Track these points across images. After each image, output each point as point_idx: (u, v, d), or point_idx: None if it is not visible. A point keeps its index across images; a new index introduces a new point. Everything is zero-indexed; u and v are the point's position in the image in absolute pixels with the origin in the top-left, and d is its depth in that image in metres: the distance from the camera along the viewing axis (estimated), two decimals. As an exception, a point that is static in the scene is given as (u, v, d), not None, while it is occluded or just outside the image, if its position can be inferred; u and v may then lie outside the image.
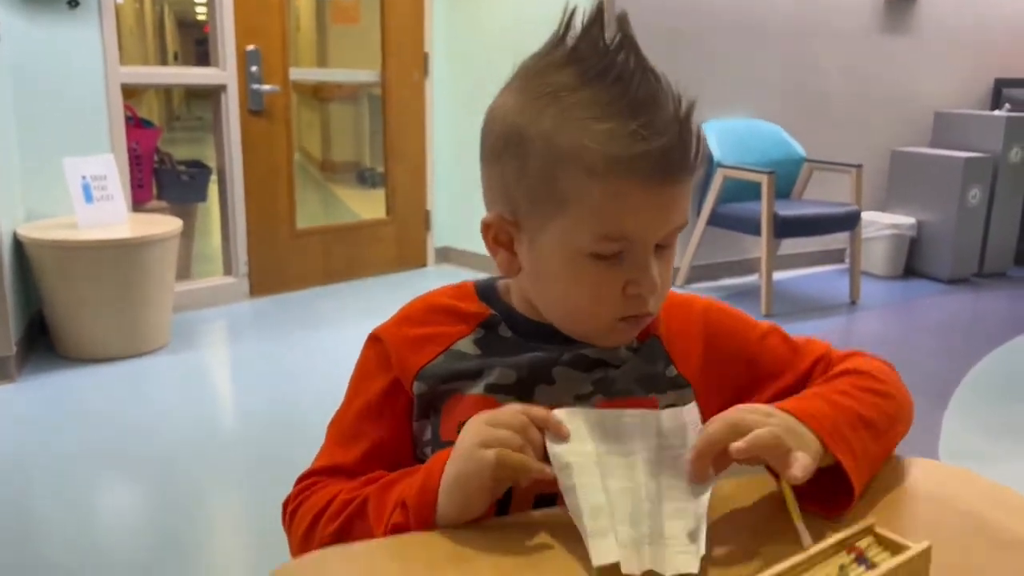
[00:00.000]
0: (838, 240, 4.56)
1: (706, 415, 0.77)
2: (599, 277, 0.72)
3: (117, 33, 3.43)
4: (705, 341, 0.83)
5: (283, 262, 4.06)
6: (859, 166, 4.08)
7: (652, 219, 0.71)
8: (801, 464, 0.65)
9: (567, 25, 0.71)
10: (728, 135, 4.20)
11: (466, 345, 0.80)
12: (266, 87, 3.84)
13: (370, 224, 4.61)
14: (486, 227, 0.78)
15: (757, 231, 3.86)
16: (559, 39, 0.72)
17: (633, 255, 0.72)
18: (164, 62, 12.18)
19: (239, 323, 3.73)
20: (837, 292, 4.30)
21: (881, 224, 4.56)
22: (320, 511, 0.73)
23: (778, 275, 4.53)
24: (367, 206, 5.62)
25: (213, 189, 4.39)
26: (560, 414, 0.68)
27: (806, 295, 4.36)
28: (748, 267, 4.49)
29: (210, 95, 3.90)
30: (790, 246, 4.62)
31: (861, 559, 0.57)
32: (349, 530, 0.71)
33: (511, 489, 0.71)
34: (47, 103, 3.25)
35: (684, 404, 0.74)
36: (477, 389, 0.76)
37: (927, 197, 4.60)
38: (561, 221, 0.71)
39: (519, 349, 0.79)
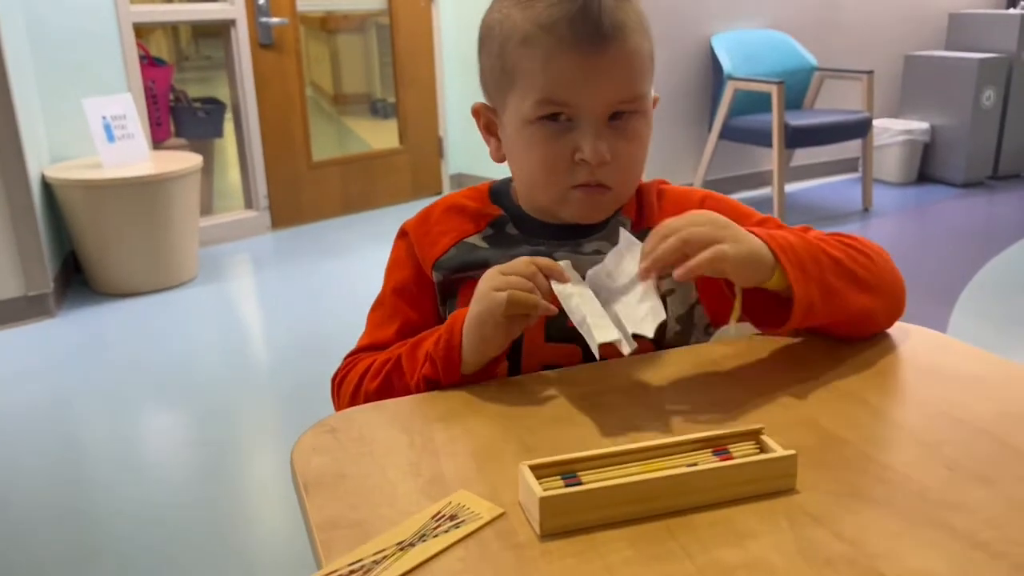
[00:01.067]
0: (852, 149, 4.56)
1: (704, 297, 0.86)
2: (548, 144, 0.81)
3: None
4: None
5: (301, 194, 4.15)
6: (870, 72, 4.06)
7: (584, 83, 0.79)
8: (730, 254, 0.71)
9: None
10: (738, 47, 4.18)
11: (476, 240, 0.89)
12: (274, 20, 3.86)
13: (384, 154, 4.66)
14: (476, 114, 0.90)
15: (769, 142, 3.88)
16: None
17: (580, 123, 0.80)
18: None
19: (262, 255, 3.84)
20: (850, 200, 4.33)
21: (894, 131, 4.55)
22: (363, 373, 0.85)
23: (792, 186, 4.56)
24: (381, 137, 5.65)
25: (229, 126, 4.45)
26: (562, 264, 0.78)
27: (819, 204, 4.39)
28: (762, 180, 4.51)
29: (218, 33, 3.93)
30: (804, 157, 4.64)
31: (721, 451, 0.61)
32: (389, 386, 0.82)
33: (522, 348, 0.81)
34: (63, 46, 3.31)
35: (681, 287, 0.84)
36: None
37: (941, 101, 4.57)
38: (513, 97, 0.83)
39: (523, 244, 0.88)
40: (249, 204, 4.07)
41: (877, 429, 0.70)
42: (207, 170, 3.90)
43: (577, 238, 0.88)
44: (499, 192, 0.93)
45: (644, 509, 0.57)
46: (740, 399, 0.73)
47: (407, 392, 0.78)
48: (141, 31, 3.77)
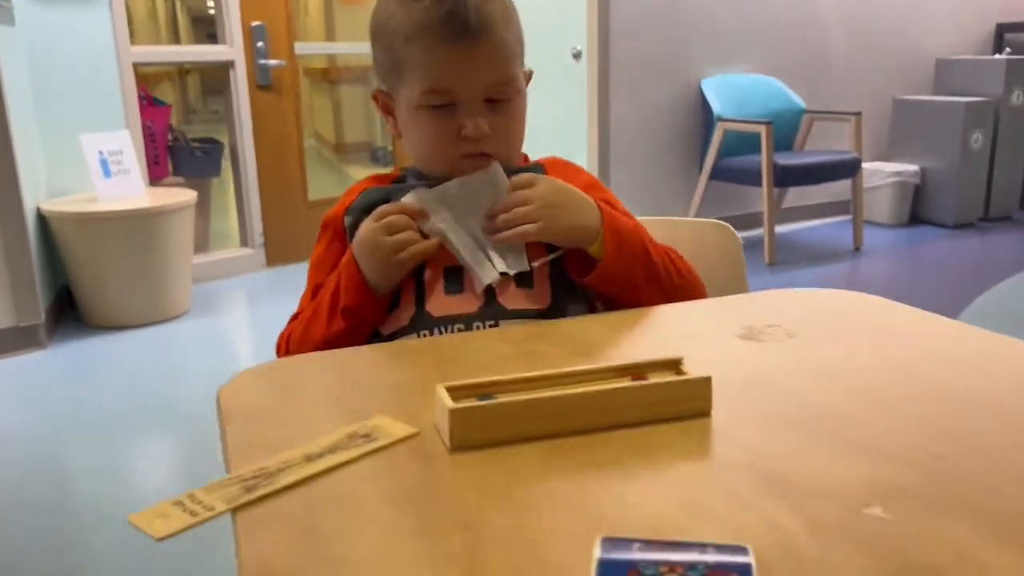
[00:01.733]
0: (843, 191, 4.60)
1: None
2: (436, 125, 0.92)
3: (127, 15, 3.55)
4: None
5: (296, 232, 4.18)
6: (858, 113, 4.12)
7: (461, 72, 0.90)
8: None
9: None
10: (727, 90, 4.25)
11: (375, 188, 1.01)
12: (272, 62, 3.95)
13: (381, 195, 4.71)
14: (374, 98, 1.01)
15: (758, 182, 3.92)
16: None
17: (462, 105, 0.91)
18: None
19: (256, 291, 3.86)
20: (841, 241, 4.36)
21: (885, 173, 4.60)
22: (287, 338, 0.97)
23: (785, 227, 4.59)
24: (379, 181, 5.73)
25: (227, 168, 4.52)
26: (410, 198, 0.92)
27: (810, 244, 4.41)
28: (754, 221, 4.54)
29: (224, 89, 4.01)
30: (796, 198, 4.68)
31: (639, 379, 0.63)
32: (309, 335, 0.92)
33: (425, 299, 0.91)
34: (63, 84, 3.39)
35: None
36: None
37: (930, 144, 4.63)
38: (404, 86, 0.93)
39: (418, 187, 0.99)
40: (244, 242, 4.10)
41: (802, 367, 0.70)
42: (204, 209, 3.95)
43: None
44: (406, 169, 1.05)
45: (557, 426, 0.57)
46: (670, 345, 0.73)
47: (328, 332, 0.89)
48: (148, 80, 3.87)
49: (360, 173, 7.08)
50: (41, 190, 3.34)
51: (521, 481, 0.52)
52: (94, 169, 3.25)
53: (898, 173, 4.59)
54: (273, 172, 4.07)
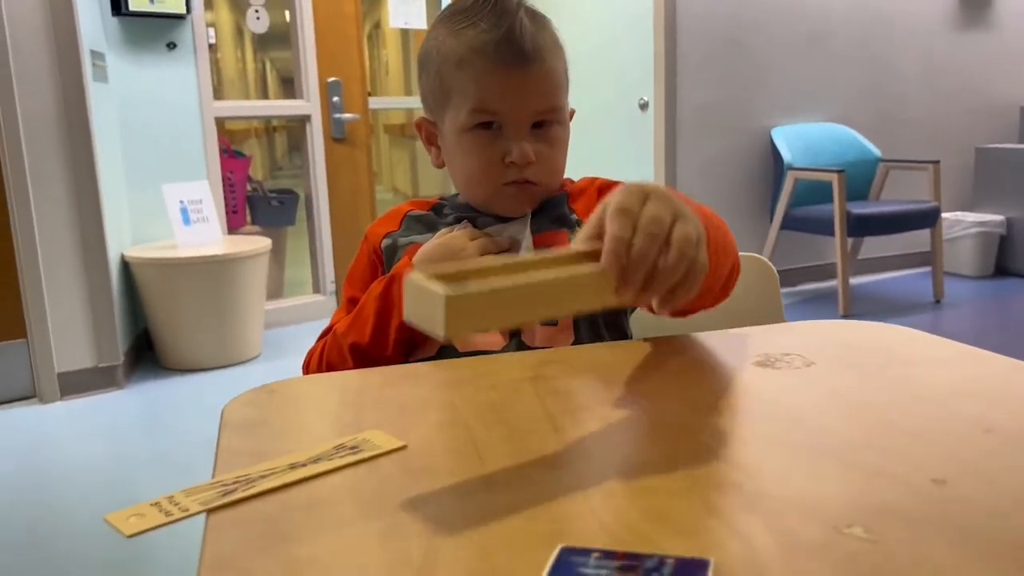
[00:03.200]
0: (923, 243, 4.46)
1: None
2: (482, 150, 0.93)
3: (218, 79, 3.75)
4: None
5: (367, 280, 4.27)
6: (936, 162, 4.00)
7: (510, 97, 0.91)
8: None
9: None
10: (798, 139, 4.20)
11: (419, 213, 1.02)
12: (347, 116, 4.09)
13: (450, 245, 4.78)
14: (417, 126, 1.03)
15: (831, 231, 3.83)
16: None
17: (507, 132, 0.92)
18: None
19: (326, 337, 3.94)
20: (921, 292, 4.20)
21: (967, 223, 4.44)
22: (320, 352, 0.96)
23: (861, 279, 4.46)
24: (451, 232, 5.84)
25: (303, 218, 4.67)
26: (461, 229, 0.94)
27: (888, 296, 4.27)
28: (828, 272, 4.44)
29: (303, 137, 4.17)
30: (873, 249, 4.55)
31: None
32: (340, 351, 0.93)
33: None
34: (149, 136, 3.58)
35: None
36: (427, 239, 0.97)
37: (1016, 194, 4.46)
38: (451, 110, 0.95)
39: (461, 217, 1.00)
40: (316, 288, 4.21)
41: (814, 394, 0.68)
42: (279, 257, 4.08)
43: (502, 222, 0.99)
44: (445, 198, 1.07)
45: (545, 312, 0.56)
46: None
47: (359, 348, 0.90)
48: (236, 137, 4.03)
49: (434, 225, 7.24)
50: (126, 237, 3.51)
51: (488, 487, 0.51)
52: (174, 217, 3.40)
53: (981, 223, 4.42)
54: (345, 222, 4.18)
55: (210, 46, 3.76)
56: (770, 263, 1.04)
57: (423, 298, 0.51)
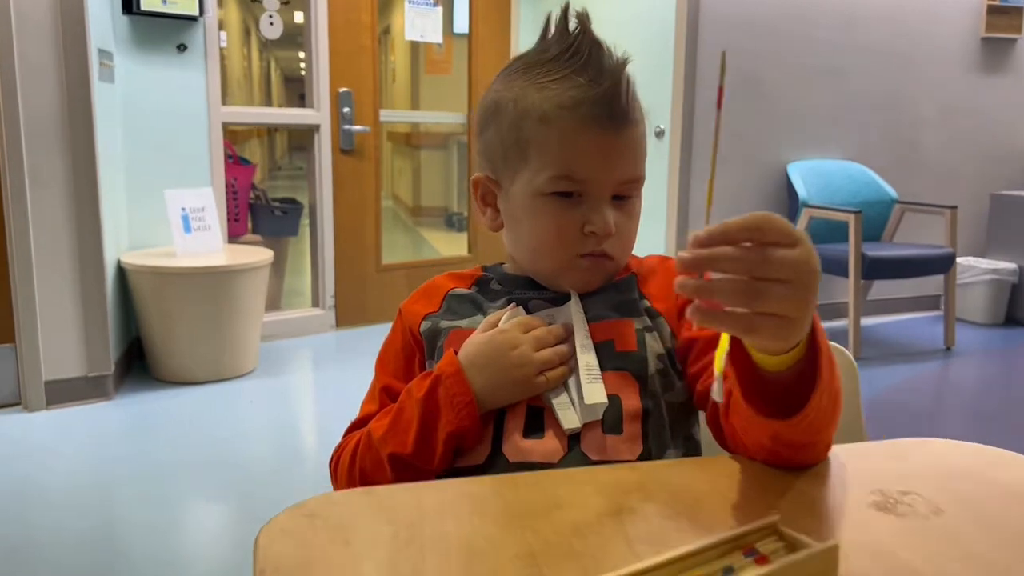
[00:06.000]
0: (934, 286, 4.39)
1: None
2: (560, 217, 0.83)
3: (223, 79, 3.64)
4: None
5: (367, 295, 4.17)
6: (954, 207, 3.94)
7: (600, 162, 0.82)
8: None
9: (545, 28, 0.85)
10: (814, 176, 4.12)
11: (462, 292, 0.91)
12: (357, 127, 3.99)
13: (452, 261, 4.69)
14: (474, 184, 0.91)
15: (845, 272, 3.76)
16: (541, 39, 0.86)
17: (589, 199, 0.83)
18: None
19: (323, 352, 3.84)
20: (931, 338, 4.13)
21: (980, 269, 4.37)
22: (354, 450, 0.84)
23: (871, 320, 4.39)
24: (452, 247, 5.74)
25: (305, 227, 4.57)
26: (511, 316, 0.84)
27: (898, 340, 4.19)
28: (838, 311, 4.35)
29: (308, 147, 4.08)
30: (883, 291, 4.48)
31: (751, 552, 0.53)
32: (377, 460, 0.81)
33: (502, 438, 0.80)
34: (154, 139, 3.47)
35: (658, 330, 0.84)
36: (473, 323, 0.86)
37: (1030, 242, 4.39)
38: (526, 170, 0.84)
39: (505, 295, 0.90)
40: (316, 302, 4.10)
41: (950, 556, 0.58)
42: (279, 267, 3.97)
43: (556, 297, 0.89)
44: (488, 268, 0.97)
45: None
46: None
47: (400, 459, 0.79)
48: (236, 137, 3.95)
49: (434, 237, 7.10)
50: (123, 241, 3.39)
51: None
52: (175, 224, 3.29)
53: (994, 270, 4.36)
54: (349, 235, 4.08)
55: (220, 49, 3.65)
56: (852, 358, 0.94)
57: None
